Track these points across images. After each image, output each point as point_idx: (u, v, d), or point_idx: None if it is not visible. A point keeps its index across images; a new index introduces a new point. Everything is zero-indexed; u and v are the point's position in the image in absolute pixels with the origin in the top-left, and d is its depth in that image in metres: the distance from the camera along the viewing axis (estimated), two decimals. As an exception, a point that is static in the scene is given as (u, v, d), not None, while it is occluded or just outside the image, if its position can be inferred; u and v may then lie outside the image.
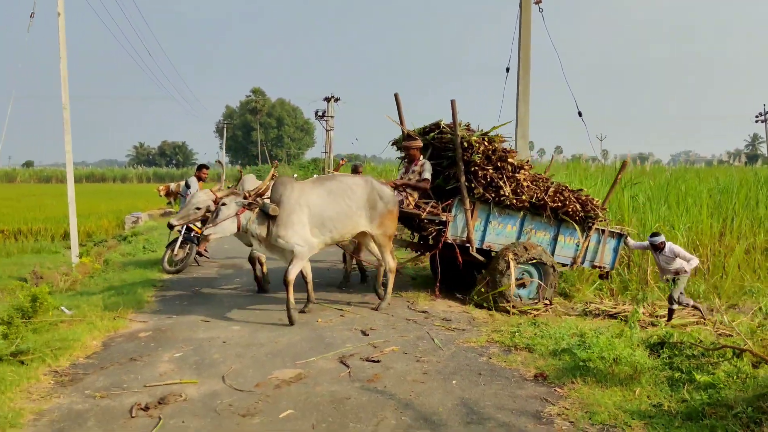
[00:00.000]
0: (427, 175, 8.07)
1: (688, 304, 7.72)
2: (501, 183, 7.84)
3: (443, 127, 8.40)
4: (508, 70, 14.05)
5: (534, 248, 8.01)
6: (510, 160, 8.00)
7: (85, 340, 6.02)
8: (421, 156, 8.38)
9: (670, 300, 7.65)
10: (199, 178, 11.07)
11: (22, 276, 11.47)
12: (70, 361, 5.48)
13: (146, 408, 4.38)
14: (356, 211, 7.25)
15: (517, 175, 7.97)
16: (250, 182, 7.84)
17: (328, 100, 39.19)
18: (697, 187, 13.69)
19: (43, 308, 6.91)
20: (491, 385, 4.87)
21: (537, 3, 13.31)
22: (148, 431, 3.98)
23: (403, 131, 9.00)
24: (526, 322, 6.69)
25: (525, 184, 7.97)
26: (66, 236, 17.45)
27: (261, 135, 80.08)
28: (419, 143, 8.32)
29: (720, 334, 6.48)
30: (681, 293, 7.66)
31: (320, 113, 40.22)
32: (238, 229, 6.69)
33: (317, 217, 6.96)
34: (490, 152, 7.88)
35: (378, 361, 5.46)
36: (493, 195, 7.84)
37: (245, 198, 6.73)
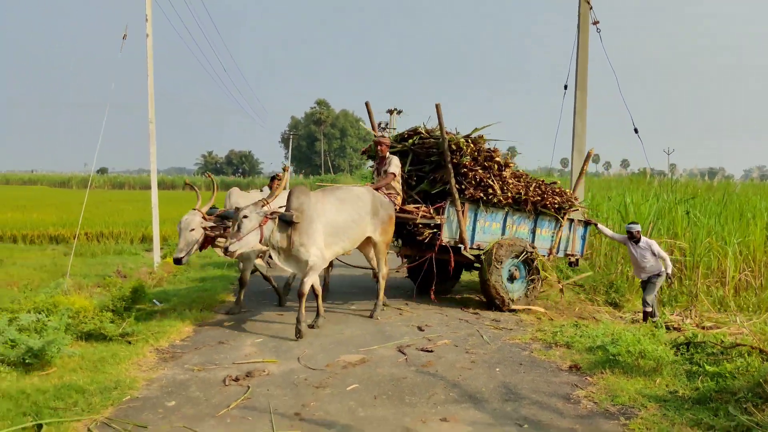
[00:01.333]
0: (393, 169, 8.23)
1: (649, 311, 8.21)
2: (490, 182, 8.23)
3: (423, 133, 8.78)
4: (566, 87, 14.58)
5: (521, 242, 8.56)
6: (497, 159, 8.42)
7: (179, 327, 7.05)
8: (388, 153, 8.48)
9: (644, 303, 8.22)
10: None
11: (108, 274, 12.75)
12: (169, 342, 6.49)
13: (236, 379, 5.32)
14: (364, 218, 7.47)
15: (503, 173, 8.44)
16: (237, 195, 8.00)
17: (390, 112, 40.26)
18: (758, 204, 13.91)
19: (140, 300, 8.05)
20: (530, 373, 5.61)
21: (595, 24, 13.89)
22: (240, 396, 4.90)
23: (376, 137, 9.06)
24: (568, 323, 7.35)
25: (510, 181, 8.42)
26: (144, 239, 18.93)
27: (324, 145, 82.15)
28: (387, 140, 8.50)
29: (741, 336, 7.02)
30: (653, 297, 8.21)
31: (383, 125, 41.30)
32: (260, 240, 6.55)
33: (332, 227, 7.05)
34: (476, 153, 8.28)
35: (431, 351, 6.27)
36: (482, 194, 8.22)
37: (263, 206, 6.58)
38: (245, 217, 6.39)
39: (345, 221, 7.22)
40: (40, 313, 6.30)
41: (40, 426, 4.19)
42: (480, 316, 8.09)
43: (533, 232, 8.95)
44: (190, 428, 4.25)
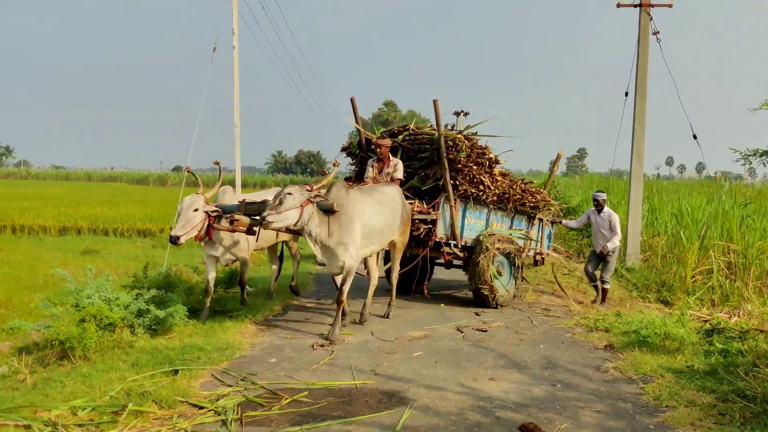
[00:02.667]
0: (399, 175, 8.35)
1: (607, 288, 9.26)
2: (482, 177, 8.48)
3: (413, 129, 8.94)
4: (626, 94, 15.32)
5: (506, 239, 8.90)
6: (489, 155, 8.68)
7: (270, 306, 8.34)
8: (391, 156, 8.55)
9: (603, 281, 9.03)
10: None
11: (195, 265, 14.29)
12: (263, 317, 7.79)
13: (322, 345, 6.53)
14: (396, 221, 7.53)
15: (493, 169, 8.74)
16: (230, 195, 7.89)
17: (457, 114, 41.15)
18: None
19: (234, 284, 9.42)
20: (569, 350, 6.62)
21: (655, 34, 14.56)
22: (326, 357, 6.10)
23: (360, 135, 9.28)
24: (611, 313, 8.25)
25: (499, 178, 8.75)
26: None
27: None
28: (389, 142, 8.49)
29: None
30: (611, 274, 9.30)
31: (449, 127, 42.22)
32: (297, 222, 6.47)
33: (368, 229, 7.07)
34: (469, 150, 8.44)
35: (485, 331, 7.34)
36: (473, 190, 8.45)
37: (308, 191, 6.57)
38: (289, 193, 6.40)
39: (381, 225, 7.28)
40: (159, 290, 7.66)
41: (176, 371, 5.49)
42: (532, 305, 9.07)
43: (509, 230, 9.29)
44: (290, 376, 5.48)
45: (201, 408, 4.65)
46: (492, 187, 8.63)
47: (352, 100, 9.16)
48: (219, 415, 4.54)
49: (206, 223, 7.15)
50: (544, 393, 5.20)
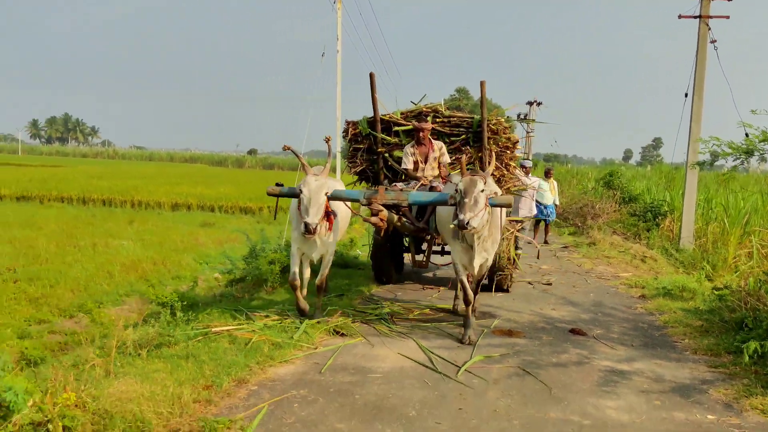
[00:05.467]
0: (448, 159, 8.32)
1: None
2: (509, 163, 8.73)
3: (442, 111, 8.77)
4: (686, 95, 17.44)
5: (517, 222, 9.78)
6: (513, 139, 8.90)
7: (368, 285, 11.15)
8: (431, 139, 8.37)
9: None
10: None
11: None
12: (369, 292, 10.48)
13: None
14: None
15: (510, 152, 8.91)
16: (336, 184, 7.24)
17: (530, 104, 43.19)
18: None
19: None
20: (611, 297, 9.21)
21: (712, 42, 16.64)
22: (435, 293, 8.85)
23: (375, 114, 8.70)
24: (650, 278, 10.69)
25: (511, 164, 8.97)
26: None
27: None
28: (431, 125, 8.37)
29: None
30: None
31: (522, 116, 44.31)
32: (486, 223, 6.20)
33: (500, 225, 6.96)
34: (506, 137, 8.69)
35: (550, 284, 10.00)
36: (499, 174, 8.54)
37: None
38: (482, 191, 6.02)
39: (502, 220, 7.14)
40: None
41: (341, 295, 8.35)
42: (590, 273, 11.61)
43: None
44: (414, 301, 8.28)
45: (365, 313, 7.48)
46: (511, 173, 8.92)
47: (371, 76, 8.48)
48: (377, 317, 7.35)
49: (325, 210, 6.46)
50: (588, 317, 7.86)
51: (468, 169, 6.29)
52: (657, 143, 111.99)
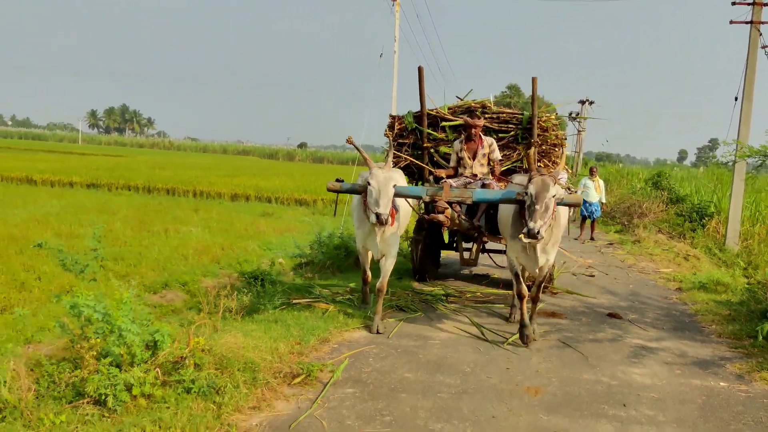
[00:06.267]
0: (498, 155, 8.27)
1: None
2: (556, 160, 8.44)
3: (491, 107, 8.80)
4: (736, 98, 17.92)
5: None
6: (559, 135, 8.85)
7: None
8: (482, 135, 8.25)
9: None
10: None
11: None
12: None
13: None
14: None
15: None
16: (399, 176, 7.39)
17: (582, 102, 43.54)
18: None
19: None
20: (650, 289, 10.02)
21: (763, 48, 17.08)
22: (485, 280, 9.79)
23: (422, 109, 8.64)
24: (688, 273, 11.44)
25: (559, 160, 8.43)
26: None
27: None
28: (483, 121, 8.23)
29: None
30: None
31: (574, 114, 44.67)
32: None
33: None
34: (555, 135, 8.74)
35: (593, 276, 10.83)
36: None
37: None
38: (554, 196, 5.88)
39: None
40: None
41: (399, 277, 9.36)
42: (632, 268, 12.37)
43: None
44: (466, 284, 9.24)
45: (422, 293, 8.48)
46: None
47: (419, 69, 8.42)
48: (434, 297, 8.33)
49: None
50: (626, 304, 8.72)
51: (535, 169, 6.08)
52: (713, 144, 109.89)
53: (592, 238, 16.19)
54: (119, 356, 4.49)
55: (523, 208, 6.05)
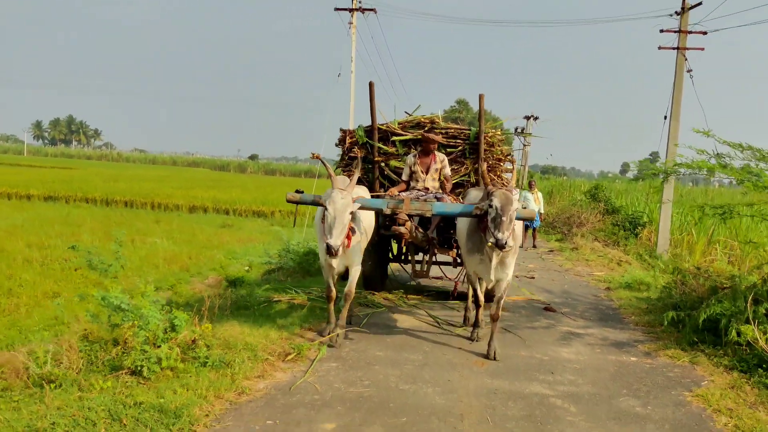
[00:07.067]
0: (449, 171, 8.54)
1: None
2: (501, 174, 8.85)
3: (439, 122, 9.05)
4: (665, 117, 19.73)
5: None
6: (504, 150, 9.16)
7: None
8: (436, 151, 8.47)
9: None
10: None
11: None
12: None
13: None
14: None
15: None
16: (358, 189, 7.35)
17: (527, 118, 45.54)
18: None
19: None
20: (582, 288, 11.49)
21: (688, 72, 18.93)
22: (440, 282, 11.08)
23: (373, 123, 8.77)
24: (618, 275, 12.95)
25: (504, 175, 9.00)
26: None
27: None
28: (440, 137, 8.54)
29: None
30: None
31: (519, 129, 46.63)
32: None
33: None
34: (499, 150, 9.03)
35: (533, 278, 12.23)
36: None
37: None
38: (516, 209, 6.12)
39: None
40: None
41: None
42: (569, 272, 13.85)
43: None
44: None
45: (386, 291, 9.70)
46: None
47: (370, 85, 8.58)
48: (394, 296, 9.55)
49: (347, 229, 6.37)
50: (560, 300, 10.14)
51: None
52: (654, 157, 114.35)
53: (534, 246, 17.70)
54: (146, 337, 5.58)
55: (482, 221, 6.37)
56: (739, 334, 6.71)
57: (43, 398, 4.78)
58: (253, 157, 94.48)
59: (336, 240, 6.09)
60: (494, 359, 6.64)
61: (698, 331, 7.46)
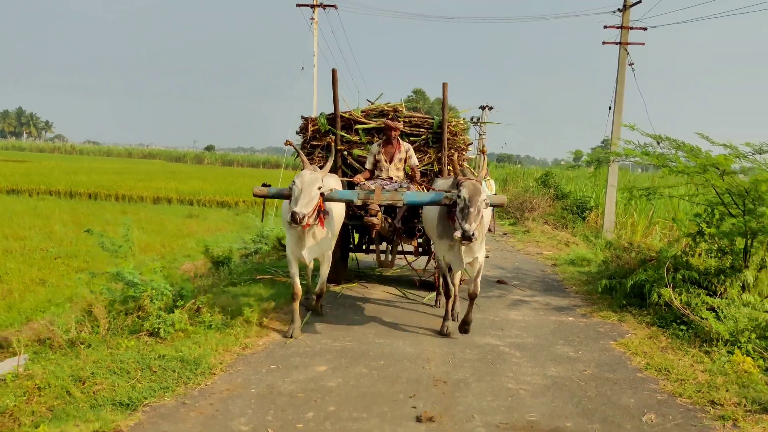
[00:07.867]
0: (416, 161, 8.53)
1: None
2: (462, 163, 8.66)
3: (402, 111, 9.03)
4: (610, 108, 21.22)
5: None
6: (465, 139, 9.43)
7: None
8: (400, 140, 8.48)
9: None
10: None
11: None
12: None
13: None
14: None
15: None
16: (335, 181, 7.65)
17: (483, 108, 47.08)
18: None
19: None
20: (531, 265, 12.83)
21: (630, 65, 20.41)
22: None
23: (336, 111, 8.80)
24: (564, 252, 14.30)
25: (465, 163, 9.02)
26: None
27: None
28: (402, 125, 8.49)
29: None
30: None
31: (475, 119, 48.15)
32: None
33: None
34: (462, 138, 9.28)
35: (487, 257, 13.48)
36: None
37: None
38: (484, 200, 6.10)
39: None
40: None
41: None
42: (519, 251, 15.17)
43: None
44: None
45: (358, 270, 10.81)
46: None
47: (333, 72, 8.59)
48: (366, 274, 10.68)
49: (318, 207, 6.42)
50: (511, 275, 11.43)
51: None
52: (606, 144, 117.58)
53: (489, 230, 18.97)
54: (160, 305, 6.63)
55: (452, 210, 6.35)
56: (659, 296, 8.04)
57: (78, 355, 5.80)
58: (209, 148, 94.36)
59: (302, 209, 6.05)
60: (445, 335, 7.15)
61: (627, 296, 8.81)
